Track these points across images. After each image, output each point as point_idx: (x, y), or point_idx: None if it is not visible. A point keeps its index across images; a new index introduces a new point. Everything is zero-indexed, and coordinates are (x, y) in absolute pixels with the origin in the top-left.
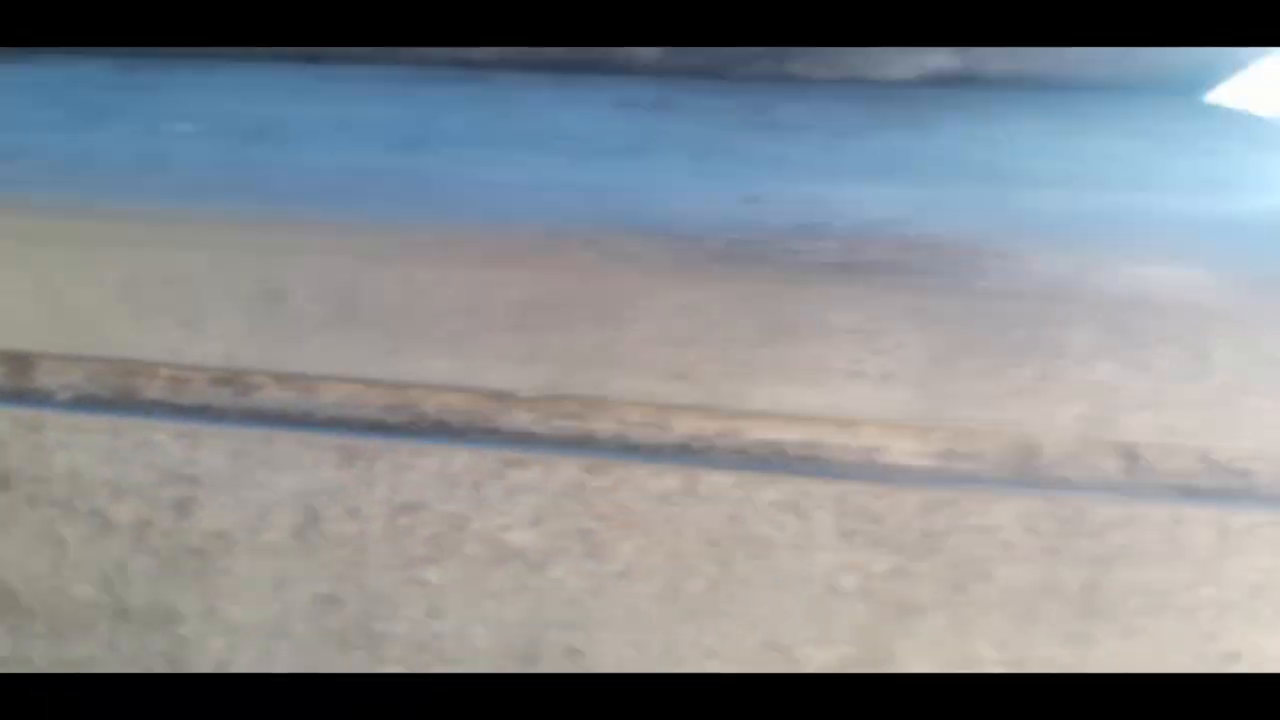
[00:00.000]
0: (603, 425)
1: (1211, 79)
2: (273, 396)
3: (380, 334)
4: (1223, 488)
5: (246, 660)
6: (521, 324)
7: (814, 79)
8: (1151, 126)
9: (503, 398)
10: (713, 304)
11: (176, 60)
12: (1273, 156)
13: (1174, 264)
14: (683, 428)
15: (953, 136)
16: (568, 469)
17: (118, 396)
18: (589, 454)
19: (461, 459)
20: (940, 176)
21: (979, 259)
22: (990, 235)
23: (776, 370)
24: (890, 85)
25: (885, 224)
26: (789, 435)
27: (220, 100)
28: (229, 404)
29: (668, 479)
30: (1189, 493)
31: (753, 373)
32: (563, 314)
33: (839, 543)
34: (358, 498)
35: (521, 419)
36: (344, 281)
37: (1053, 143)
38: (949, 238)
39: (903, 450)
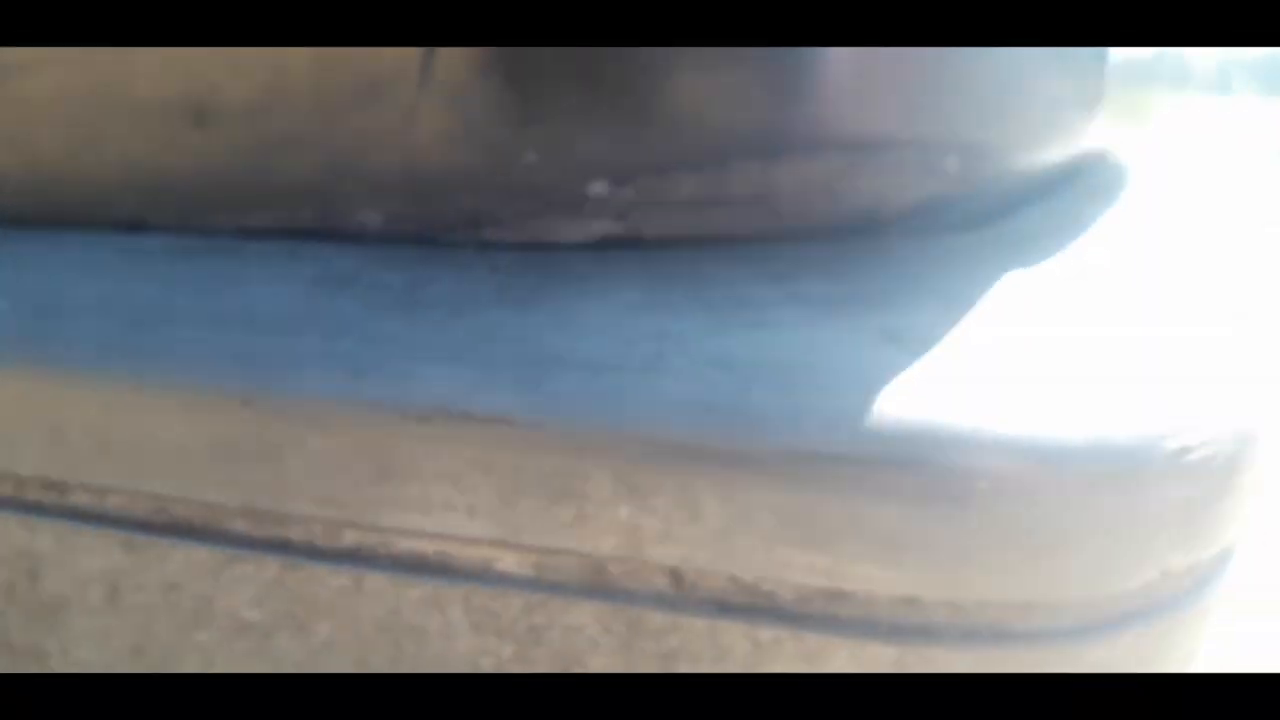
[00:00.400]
0: (295, 533)
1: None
2: (80, 499)
3: (133, 459)
4: (751, 605)
5: None
6: (217, 458)
7: (501, 243)
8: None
9: (224, 509)
10: (338, 451)
11: (41, 232)
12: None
13: (661, 435)
14: (351, 538)
15: (543, 313)
16: (272, 566)
17: None
18: (285, 556)
19: (202, 554)
20: (504, 356)
21: (524, 427)
22: (522, 408)
23: (395, 502)
24: (559, 249)
25: (450, 395)
26: (427, 547)
27: (40, 277)
28: (53, 503)
29: (342, 578)
30: (724, 608)
31: (380, 503)
32: (239, 453)
33: (472, 633)
34: (140, 577)
35: (239, 525)
36: (100, 423)
37: (610, 319)
38: (490, 411)
39: (509, 562)
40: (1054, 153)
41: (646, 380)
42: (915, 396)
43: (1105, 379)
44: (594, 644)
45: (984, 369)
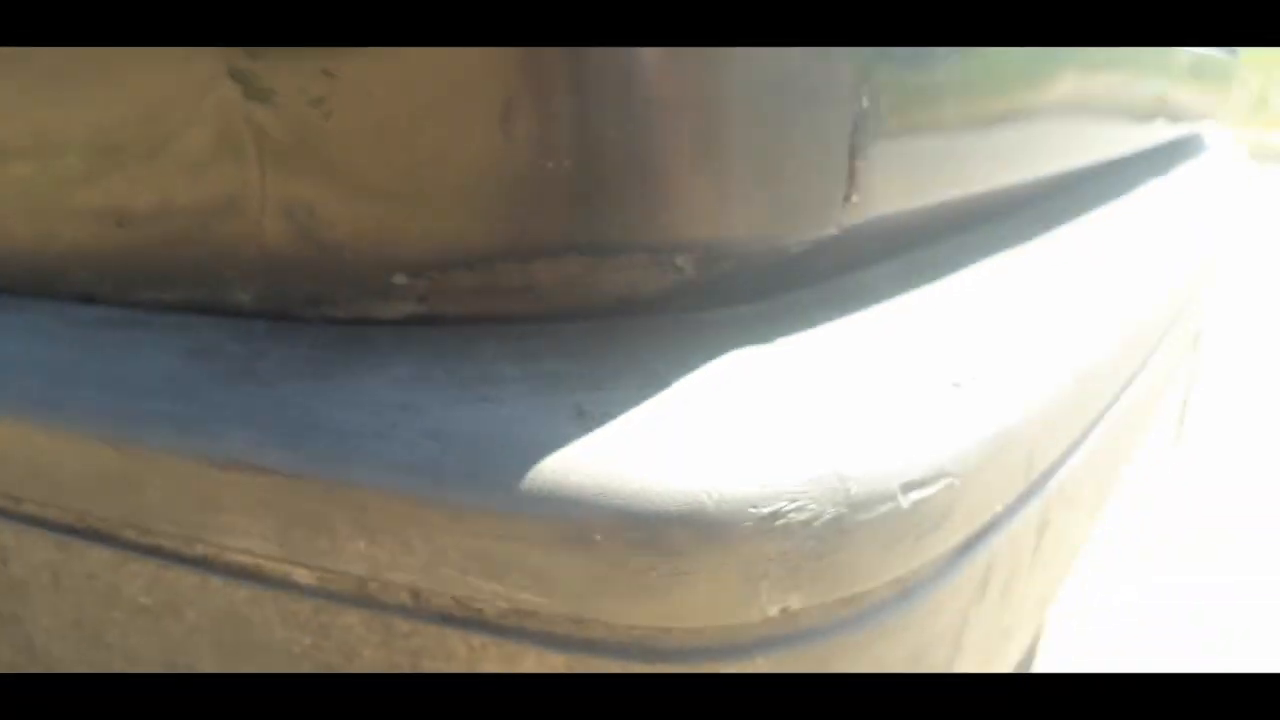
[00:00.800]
0: (163, 542)
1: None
2: (28, 508)
3: (54, 483)
4: (467, 618)
5: (56, 657)
6: (104, 487)
7: (336, 319)
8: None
9: (116, 522)
10: (175, 487)
11: (18, 299)
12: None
13: (380, 489)
14: (199, 549)
15: (330, 385)
16: (152, 566)
17: None
18: (160, 558)
19: (107, 553)
20: (285, 422)
21: (287, 478)
22: (286, 464)
23: (216, 527)
24: (380, 323)
25: (240, 452)
26: (246, 559)
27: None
28: (12, 509)
29: (196, 578)
30: (449, 620)
31: (207, 527)
32: (116, 485)
33: (282, 626)
34: (70, 568)
35: (129, 534)
36: (30, 455)
37: (374, 392)
38: (264, 464)
39: (301, 575)
40: (796, 241)
41: (376, 445)
42: (569, 463)
43: (734, 452)
44: (364, 640)
45: (638, 439)
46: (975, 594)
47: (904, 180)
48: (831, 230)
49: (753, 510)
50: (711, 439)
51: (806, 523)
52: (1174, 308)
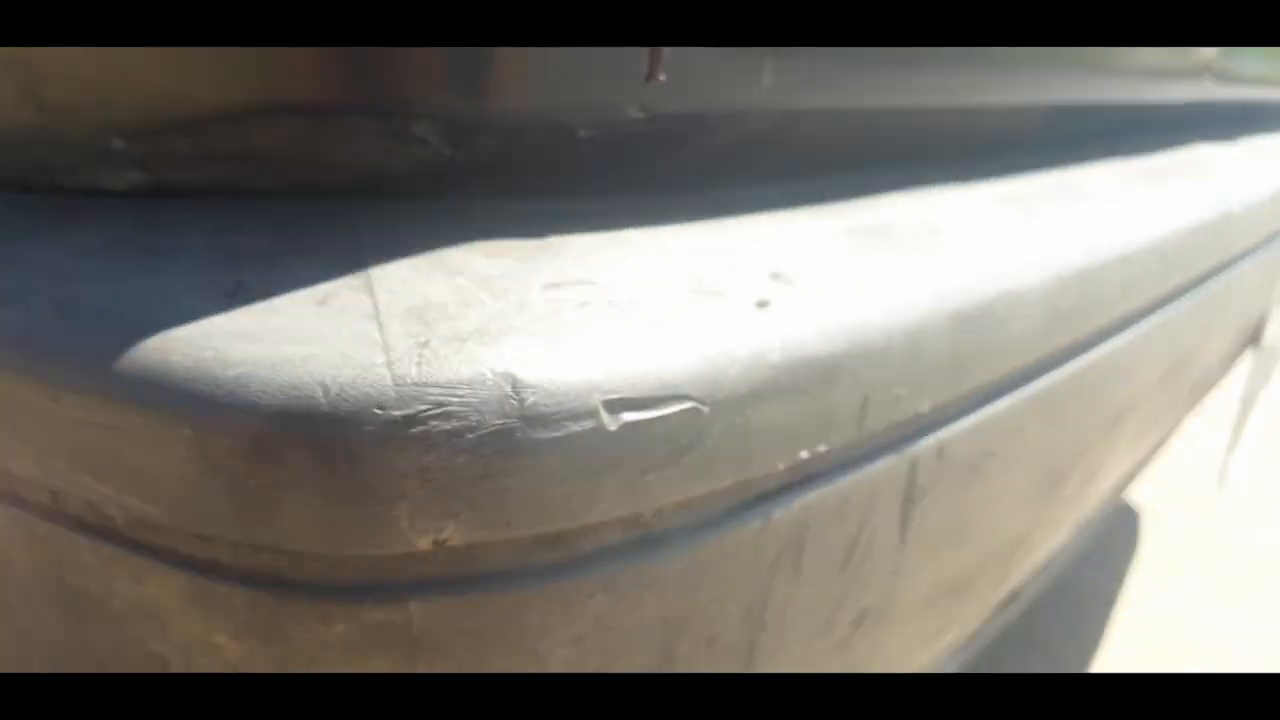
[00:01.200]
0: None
1: None
2: None
3: None
4: (98, 525)
5: None
6: None
7: (72, 189)
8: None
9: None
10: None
11: None
12: None
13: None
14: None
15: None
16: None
17: None
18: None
19: None
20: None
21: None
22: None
23: None
24: (110, 194)
25: None
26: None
27: None
28: None
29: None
30: (82, 526)
31: None
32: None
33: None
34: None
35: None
36: None
37: (53, 258)
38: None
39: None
40: (583, 124)
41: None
42: (181, 343)
43: (379, 344)
44: (14, 542)
45: (276, 321)
46: (780, 561)
47: (748, 72)
48: (632, 113)
49: (379, 412)
50: (361, 329)
51: (457, 434)
52: (1186, 278)
